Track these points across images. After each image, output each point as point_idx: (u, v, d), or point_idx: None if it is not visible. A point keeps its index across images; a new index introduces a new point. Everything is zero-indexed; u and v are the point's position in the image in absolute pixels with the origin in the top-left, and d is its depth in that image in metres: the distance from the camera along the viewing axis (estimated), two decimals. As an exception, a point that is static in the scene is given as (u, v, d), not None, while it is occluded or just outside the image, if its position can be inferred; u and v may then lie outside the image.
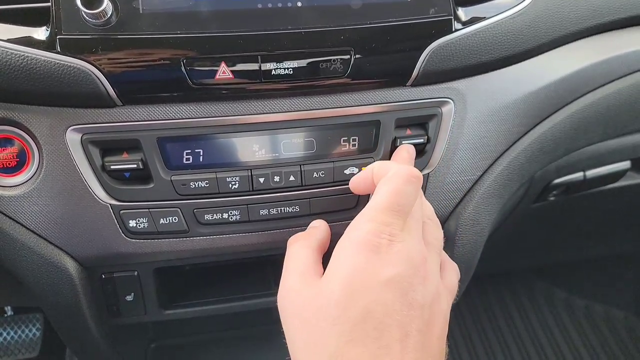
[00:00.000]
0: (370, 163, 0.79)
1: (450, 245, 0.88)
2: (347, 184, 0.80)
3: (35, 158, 0.73)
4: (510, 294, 2.11)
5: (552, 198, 1.13)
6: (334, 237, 0.82)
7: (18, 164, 0.74)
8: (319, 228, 0.72)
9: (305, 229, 0.80)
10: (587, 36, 0.90)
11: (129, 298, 0.83)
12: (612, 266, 2.01)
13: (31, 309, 1.70)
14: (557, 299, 2.07)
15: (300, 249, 0.66)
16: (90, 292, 0.80)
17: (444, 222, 0.87)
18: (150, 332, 1.07)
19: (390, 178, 0.63)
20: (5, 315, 1.70)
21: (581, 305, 2.04)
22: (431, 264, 0.62)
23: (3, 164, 0.73)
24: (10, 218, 0.74)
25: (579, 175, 1.09)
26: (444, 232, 0.86)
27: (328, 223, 0.80)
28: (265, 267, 0.97)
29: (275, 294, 0.90)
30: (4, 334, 1.69)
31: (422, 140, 0.81)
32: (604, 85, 0.91)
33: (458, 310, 2.02)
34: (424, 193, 0.83)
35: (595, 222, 1.50)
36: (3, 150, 0.73)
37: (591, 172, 1.10)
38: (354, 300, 0.55)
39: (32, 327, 1.71)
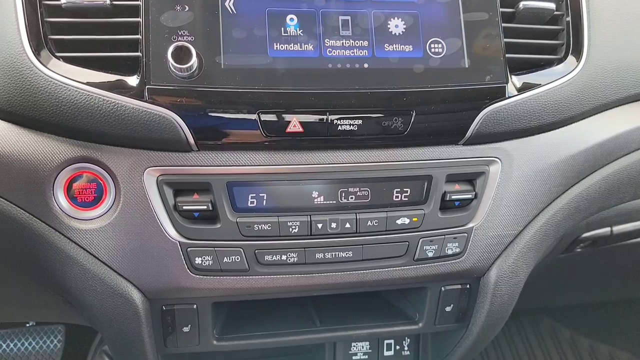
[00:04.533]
0: (420, 214, 0.85)
1: (488, 296, 0.93)
2: (398, 233, 0.85)
3: (111, 195, 0.78)
4: (518, 330, 2.14)
5: (578, 250, 1.18)
6: (385, 283, 0.87)
7: (95, 199, 0.78)
8: None
9: (357, 273, 0.86)
10: (626, 103, 0.95)
11: (186, 329, 0.87)
12: (618, 308, 2.05)
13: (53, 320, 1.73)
14: (562, 337, 2.10)
15: None
16: (152, 322, 0.85)
17: (484, 273, 0.92)
18: (187, 358, 1.10)
19: None
20: (27, 325, 1.72)
21: (586, 344, 2.08)
22: None
23: (82, 199, 0.78)
24: (85, 250, 0.78)
25: (606, 230, 1.14)
26: (484, 284, 0.92)
27: (378, 269, 0.86)
28: (308, 305, 1.01)
29: (318, 331, 0.94)
30: (25, 344, 1.72)
31: (470, 196, 0.86)
32: (637, 150, 0.96)
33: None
34: (469, 245, 0.88)
35: (612, 269, 1.54)
36: (83, 185, 0.77)
37: (618, 228, 1.15)
38: None
39: (54, 338, 1.74)
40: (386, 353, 1.11)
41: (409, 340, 1.12)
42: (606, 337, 2.06)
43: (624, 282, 1.74)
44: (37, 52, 0.72)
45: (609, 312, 2.05)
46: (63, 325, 1.74)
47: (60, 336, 1.74)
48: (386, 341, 1.11)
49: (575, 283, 1.74)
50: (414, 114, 0.79)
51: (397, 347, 1.12)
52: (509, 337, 2.12)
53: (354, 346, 1.10)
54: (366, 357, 1.11)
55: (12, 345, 1.72)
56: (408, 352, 1.12)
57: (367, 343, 1.11)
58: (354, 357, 1.10)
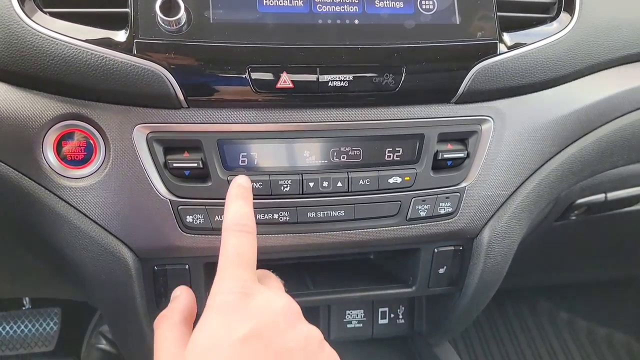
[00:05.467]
0: (412, 174, 0.84)
1: (481, 257, 0.93)
2: (390, 193, 0.85)
3: (101, 152, 0.78)
4: (515, 313, 2.15)
5: (573, 217, 1.18)
6: (378, 243, 0.87)
7: (85, 158, 0.78)
8: (179, 298, 0.68)
9: (349, 233, 0.85)
10: (618, 65, 0.95)
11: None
12: (615, 289, 2.06)
13: (49, 302, 1.73)
14: (560, 319, 2.11)
15: (165, 332, 0.62)
16: (144, 283, 0.84)
17: (477, 234, 0.92)
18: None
19: (224, 232, 0.63)
20: (24, 308, 1.73)
21: (584, 326, 2.08)
22: (295, 307, 0.61)
23: (71, 157, 0.77)
24: (75, 208, 0.78)
25: (600, 196, 1.14)
26: (477, 245, 0.92)
27: (371, 229, 0.85)
28: (302, 269, 1.01)
29: (312, 294, 0.94)
30: (22, 327, 1.72)
31: (462, 155, 0.86)
32: (630, 112, 0.96)
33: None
34: (461, 205, 0.88)
35: (608, 243, 1.55)
36: (72, 143, 0.77)
37: (612, 194, 1.15)
38: None
39: (50, 321, 1.74)
40: (381, 321, 1.11)
41: (403, 308, 1.12)
42: (604, 319, 2.06)
43: (620, 260, 1.74)
44: (23, 6, 0.71)
45: (607, 293, 2.06)
46: (59, 308, 1.74)
47: (56, 319, 1.74)
48: (380, 309, 1.11)
49: (573, 261, 1.74)
50: (405, 70, 0.79)
51: (392, 316, 1.12)
52: (507, 320, 2.13)
53: (349, 314, 1.10)
54: (361, 325, 1.11)
55: (7, 328, 1.72)
56: (403, 320, 1.12)
57: (362, 311, 1.11)
58: (348, 326, 1.10)
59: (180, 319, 0.64)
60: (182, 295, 0.68)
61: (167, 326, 0.63)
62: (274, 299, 0.59)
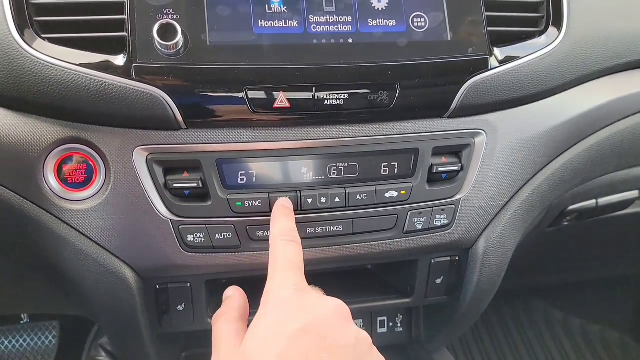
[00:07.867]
0: (408, 187, 0.86)
1: (477, 267, 0.95)
2: (387, 206, 0.86)
3: (101, 175, 0.79)
4: (510, 313, 2.17)
5: (565, 223, 1.21)
6: (376, 256, 0.89)
7: (85, 180, 0.79)
8: (233, 297, 0.73)
9: (347, 247, 0.87)
10: (606, 75, 0.97)
11: (180, 308, 0.88)
12: (607, 287, 2.08)
13: (48, 316, 1.73)
14: (554, 318, 2.13)
15: (223, 326, 0.67)
16: (146, 302, 0.85)
17: (472, 244, 0.94)
18: (182, 342, 1.11)
19: (272, 242, 0.71)
20: (22, 322, 1.72)
21: (577, 325, 2.11)
22: (346, 309, 0.65)
23: (72, 180, 0.78)
24: (77, 230, 0.79)
25: (591, 202, 1.16)
26: (473, 255, 0.93)
27: (369, 242, 0.87)
28: None
29: None
30: (20, 341, 1.72)
31: (456, 168, 0.88)
32: (619, 120, 0.99)
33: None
34: (457, 217, 0.89)
35: (600, 245, 1.57)
36: (73, 166, 0.78)
37: (603, 200, 1.17)
38: (268, 353, 0.56)
39: (48, 334, 1.74)
40: (380, 330, 1.13)
41: (401, 317, 1.13)
42: (598, 317, 2.09)
43: (613, 260, 1.77)
44: (22, 34, 0.72)
45: (600, 291, 2.08)
46: (58, 321, 1.74)
47: (55, 332, 1.74)
48: (379, 318, 1.13)
49: (565, 262, 1.76)
50: (399, 87, 0.80)
51: (391, 324, 1.13)
52: (502, 320, 2.15)
53: (348, 324, 1.11)
54: (360, 334, 1.12)
55: (6, 342, 1.72)
56: (401, 329, 1.13)
57: (361, 321, 1.12)
58: (348, 335, 1.11)
59: (236, 316, 0.69)
60: (235, 295, 0.73)
61: (224, 321, 0.68)
62: (326, 298, 0.65)
